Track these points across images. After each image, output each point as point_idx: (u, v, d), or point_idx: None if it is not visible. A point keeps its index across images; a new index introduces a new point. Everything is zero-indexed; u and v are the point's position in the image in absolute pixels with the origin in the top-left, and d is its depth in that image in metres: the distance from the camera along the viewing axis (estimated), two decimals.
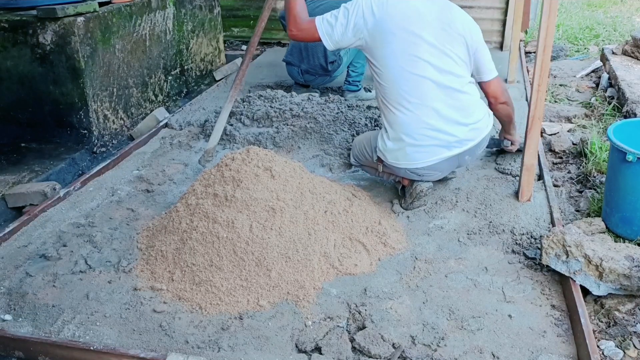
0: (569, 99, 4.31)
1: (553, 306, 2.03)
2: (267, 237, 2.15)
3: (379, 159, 2.64)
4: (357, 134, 3.32)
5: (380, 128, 2.66)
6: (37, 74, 3.33)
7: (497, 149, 3.10)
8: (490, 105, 2.69)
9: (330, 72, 4.02)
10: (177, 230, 2.28)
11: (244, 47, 6.12)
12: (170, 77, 4.24)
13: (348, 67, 4.05)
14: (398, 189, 2.75)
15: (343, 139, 3.34)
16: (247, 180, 2.27)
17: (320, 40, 2.47)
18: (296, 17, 2.46)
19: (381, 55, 2.43)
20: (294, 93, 3.93)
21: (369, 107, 3.73)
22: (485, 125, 2.59)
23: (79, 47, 3.23)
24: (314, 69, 4.04)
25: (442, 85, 2.42)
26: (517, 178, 2.79)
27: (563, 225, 2.37)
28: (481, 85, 2.63)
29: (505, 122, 2.86)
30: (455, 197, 2.74)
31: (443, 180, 2.83)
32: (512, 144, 2.96)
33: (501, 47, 5.45)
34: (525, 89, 4.22)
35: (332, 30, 2.44)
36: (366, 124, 3.46)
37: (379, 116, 3.61)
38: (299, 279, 2.11)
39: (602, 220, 2.52)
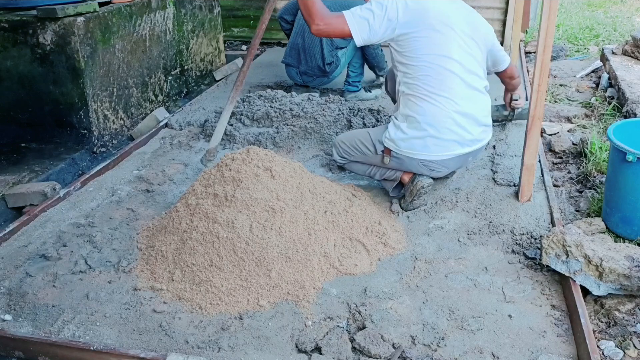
0: (569, 99, 4.31)
1: (553, 306, 2.03)
2: (267, 237, 2.15)
3: (387, 150, 2.62)
4: None
5: (390, 121, 2.66)
6: (37, 74, 3.33)
7: (503, 119, 3.50)
8: (506, 84, 3.14)
9: (328, 73, 4.03)
10: (177, 230, 2.28)
11: (244, 47, 6.12)
12: (170, 77, 4.24)
13: (348, 67, 4.05)
14: (389, 190, 2.74)
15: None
16: (247, 180, 2.27)
17: (349, 35, 2.43)
18: (320, 11, 2.40)
19: (414, 48, 2.45)
20: (294, 93, 3.93)
21: (370, 110, 3.73)
22: (491, 130, 2.70)
23: (79, 47, 3.23)
24: (311, 70, 4.05)
25: (468, 84, 2.51)
26: (516, 185, 2.79)
27: (563, 225, 2.37)
28: (499, 73, 2.95)
29: (515, 88, 3.22)
30: (455, 197, 2.74)
31: (443, 180, 2.83)
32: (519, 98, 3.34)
33: None
34: (525, 89, 4.21)
35: (366, 25, 2.41)
36: (370, 126, 3.45)
37: (387, 114, 3.62)
38: (299, 279, 2.11)
39: (602, 220, 2.52)
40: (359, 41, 2.45)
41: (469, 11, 2.58)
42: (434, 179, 2.66)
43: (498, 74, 2.95)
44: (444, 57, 2.44)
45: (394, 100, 2.99)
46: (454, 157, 2.57)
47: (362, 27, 2.42)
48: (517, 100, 3.34)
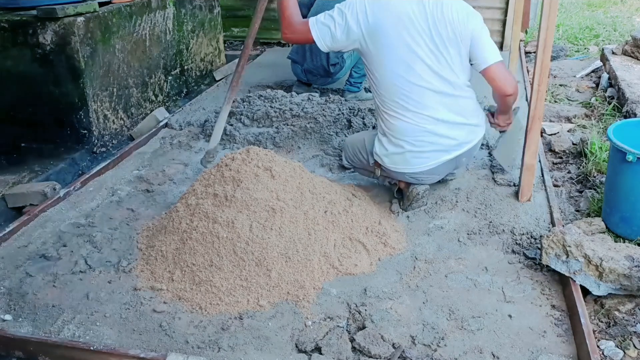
0: (569, 99, 4.31)
1: (553, 306, 2.03)
2: (267, 237, 2.15)
3: (376, 163, 2.62)
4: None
5: (376, 130, 2.64)
6: (37, 74, 3.33)
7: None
8: (493, 93, 2.49)
9: (332, 74, 4.03)
10: (177, 230, 2.28)
11: None
12: (170, 77, 4.24)
13: (352, 68, 4.05)
14: (394, 191, 2.74)
15: (343, 139, 3.33)
16: (247, 180, 2.26)
17: (313, 42, 2.40)
18: (289, 18, 2.39)
19: (377, 62, 2.40)
20: (294, 93, 3.93)
21: (370, 110, 3.73)
22: (482, 128, 2.59)
23: (79, 47, 3.23)
24: (316, 69, 4.05)
25: (440, 92, 2.39)
26: (516, 185, 2.79)
27: (563, 225, 2.37)
28: (482, 74, 2.41)
29: (504, 104, 2.55)
30: (455, 197, 2.74)
31: (443, 181, 2.83)
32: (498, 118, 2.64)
33: (501, 47, 5.44)
34: (525, 89, 4.22)
35: (328, 33, 2.38)
36: (370, 126, 3.45)
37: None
38: (299, 279, 2.11)
39: (602, 220, 2.52)
40: (323, 47, 2.42)
41: (433, 6, 2.31)
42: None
43: (485, 78, 2.43)
44: (408, 69, 2.34)
45: None
46: (441, 164, 2.52)
47: (324, 34, 2.38)
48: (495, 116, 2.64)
